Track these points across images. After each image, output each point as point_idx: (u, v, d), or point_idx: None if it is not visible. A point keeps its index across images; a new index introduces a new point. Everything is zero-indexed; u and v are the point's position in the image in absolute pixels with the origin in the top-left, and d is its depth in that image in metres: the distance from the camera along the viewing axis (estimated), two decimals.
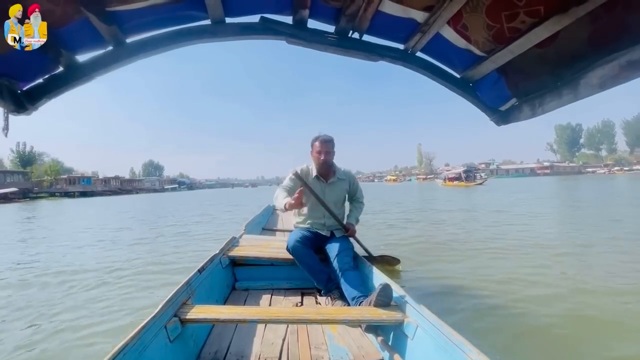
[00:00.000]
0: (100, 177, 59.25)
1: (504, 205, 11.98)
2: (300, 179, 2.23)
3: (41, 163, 54.22)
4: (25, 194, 38.05)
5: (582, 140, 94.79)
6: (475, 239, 5.77)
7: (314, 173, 2.36)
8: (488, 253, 4.67)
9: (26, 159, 50.66)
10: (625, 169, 69.09)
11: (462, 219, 8.82)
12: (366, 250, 2.80)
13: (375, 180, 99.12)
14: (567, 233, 6.02)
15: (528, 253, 4.53)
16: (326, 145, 2.28)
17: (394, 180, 79.91)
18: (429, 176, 76.51)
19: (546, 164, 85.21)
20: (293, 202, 2.08)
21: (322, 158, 2.27)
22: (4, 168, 46.60)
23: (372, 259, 2.87)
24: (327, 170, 2.36)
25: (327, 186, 2.37)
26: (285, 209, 2.16)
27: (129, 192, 56.30)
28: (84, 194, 44.90)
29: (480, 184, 34.75)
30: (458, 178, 38.42)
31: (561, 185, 25.88)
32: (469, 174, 38.59)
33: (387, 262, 3.30)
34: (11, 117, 1.32)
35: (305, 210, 2.40)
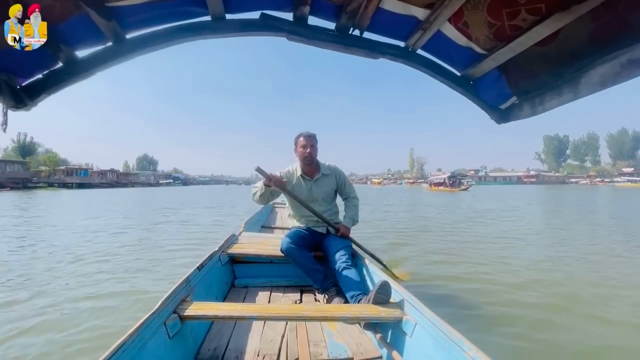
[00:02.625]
0: (94, 169, 59.63)
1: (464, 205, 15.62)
2: (264, 173, 2.23)
3: (36, 154, 54.95)
4: (25, 184, 39.23)
5: (568, 151, 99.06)
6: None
7: (299, 172, 2.38)
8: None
9: (26, 150, 51.45)
10: (606, 180, 71.56)
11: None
12: (372, 256, 2.69)
13: (368, 183, 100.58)
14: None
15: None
16: (310, 140, 2.33)
17: (378, 183, 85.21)
18: (418, 180, 79.29)
19: (532, 172, 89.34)
20: (271, 178, 2.18)
21: (307, 151, 2.30)
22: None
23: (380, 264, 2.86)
24: (311, 166, 2.38)
25: (314, 183, 2.38)
26: (264, 185, 2.25)
27: (124, 185, 56.67)
28: (81, 186, 45.46)
29: (465, 189, 36.61)
30: (443, 183, 40.85)
31: (537, 194, 28.82)
32: (453, 180, 40.96)
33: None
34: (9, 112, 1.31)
35: (298, 208, 2.40)
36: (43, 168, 49.37)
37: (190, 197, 24.38)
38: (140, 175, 75.95)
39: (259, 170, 2.23)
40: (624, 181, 61.99)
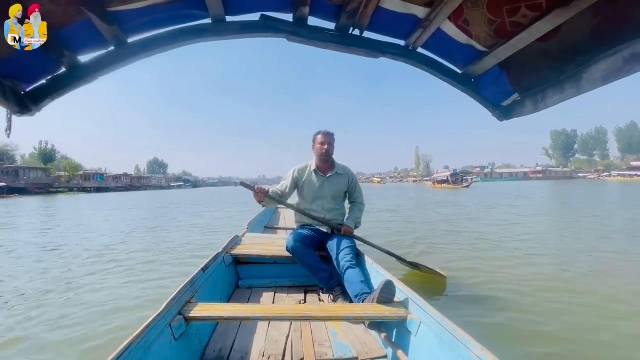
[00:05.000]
0: (107, 174, 61.34)
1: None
2: (248, 186, 2.30)
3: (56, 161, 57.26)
4: (47, 189, 41.74)
5: (576, 146, 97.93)
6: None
7: (313, 167, 2.41)
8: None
9: (47, 157, 53.69)
10: (613, 174, 71.07)
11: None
12: (387, 251, 2.69)
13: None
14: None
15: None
16: (329, 137, 2.40)
17: (379, 182, 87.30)
18: (425, 179, 79.92)
19: (539, 168, 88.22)
20: (255, 191, 2.25)
21: (324, 148, 2.36)
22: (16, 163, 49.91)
23: (410, 265, 3.04)
24: (326, 163, 2.42)
25: (326, 180, 2.40)
26: (257, 201, 2.31)
27: (138, 188, 58.82)
28: (98, 190, 47.90)
29: (467, 186, 37.56)
30: (446, 181, 41.79)
31: (525, 189, 30.42)
32: (456, 178, 41.82)
33: (429, 273, 3.21)
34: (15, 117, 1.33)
35: (304, 207, 2.42)
36: (62, 174, 51.60)
37: (209, 198, 25.57)
38: (152, 179, 77.47)
39: (243, 184, 2.33)
40: (615, 175, 63.84)
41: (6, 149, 50.52)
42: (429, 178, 67.54)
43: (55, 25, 1.23)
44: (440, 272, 3.22)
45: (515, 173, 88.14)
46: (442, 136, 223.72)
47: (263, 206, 2.41)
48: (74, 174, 52.37)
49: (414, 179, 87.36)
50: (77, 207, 17.97)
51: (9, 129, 1.31)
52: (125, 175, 63.79)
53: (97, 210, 15.14)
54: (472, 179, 48.65)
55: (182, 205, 17.87)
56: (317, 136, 2.42)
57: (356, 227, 2.46)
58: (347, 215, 2.52)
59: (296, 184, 2.43)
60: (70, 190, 45.11)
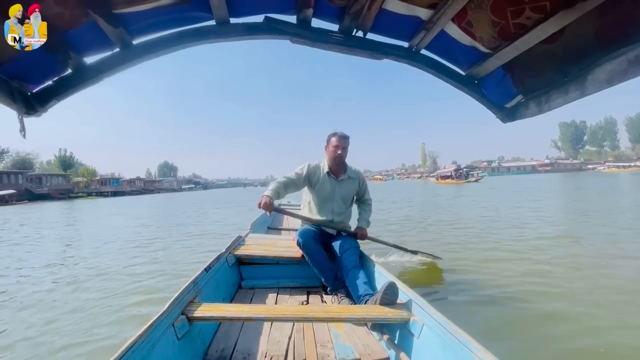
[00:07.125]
0: (120, 178, 63.32)
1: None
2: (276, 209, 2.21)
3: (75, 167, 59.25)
4: (67, 194, 43.50)
5: (585, 137, 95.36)
6: None
7: (326, 169, 2.37)
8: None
9: (66, 163, 55.76)
10: (624, 165, 69.77)
11: None
12: (398, 247, 2.94)
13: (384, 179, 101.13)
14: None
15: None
16: (343, 141, 2.31)
17: (380, 179, 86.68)
18: (431, 174, 78.83)
19: (546, 161, 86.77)
20: (266, 204, 2.09)
21: (338, 152, 2.28)
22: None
23: (411, 252, 3.27)
24: (339, 166, 2.38)
25: (338, 183, 2.37)
26: (260, 203, 2.13)
27: (151, 191, 60.29)
28: (115, 194, 49.52)
29: (476, 181, 37.69)
30: (449, 176, 42.41)
31: (515, 183, 30.99)
32: (460, 173, 42.48)
33: (429, 257, 3.56)
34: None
35: (313, 208, 2.41)
36: (80, 179, 53.74)
37: (227, 198, 26.24)
38: (164, 182, 79.05)
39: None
40: (610, 167, 63.29)
41: (28, 157, 52.25)
42: (434, 174, 67.43)
43: (61, 27, 1.25)
44: (437, 255, 3.64)
45: (523, 166, 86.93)
46: (450, 131, 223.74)
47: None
48: (91, 179, 54.35)
49: (420, 175, 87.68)
50: (120, 210, 18.17)
51: (22, 129, 1.32)
52: (139, 179, 65.65)
53: (142, 209, 16.91)
54: (477, 173, 48.29)
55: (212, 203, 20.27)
56: (332, 138, 2.32)
57: (368, 226, 2.44)
58: (350, 216, 2.50)
59: (309, 181, 2.38)
60: (89, 194, 46.78)
